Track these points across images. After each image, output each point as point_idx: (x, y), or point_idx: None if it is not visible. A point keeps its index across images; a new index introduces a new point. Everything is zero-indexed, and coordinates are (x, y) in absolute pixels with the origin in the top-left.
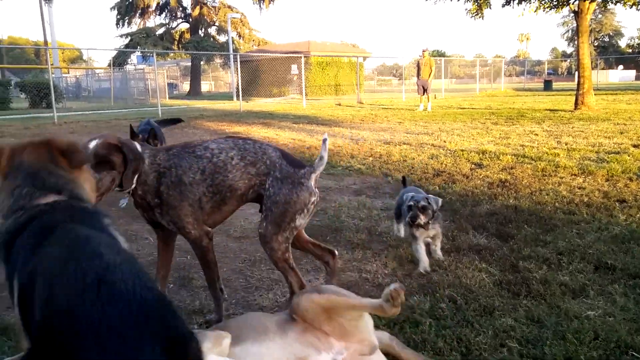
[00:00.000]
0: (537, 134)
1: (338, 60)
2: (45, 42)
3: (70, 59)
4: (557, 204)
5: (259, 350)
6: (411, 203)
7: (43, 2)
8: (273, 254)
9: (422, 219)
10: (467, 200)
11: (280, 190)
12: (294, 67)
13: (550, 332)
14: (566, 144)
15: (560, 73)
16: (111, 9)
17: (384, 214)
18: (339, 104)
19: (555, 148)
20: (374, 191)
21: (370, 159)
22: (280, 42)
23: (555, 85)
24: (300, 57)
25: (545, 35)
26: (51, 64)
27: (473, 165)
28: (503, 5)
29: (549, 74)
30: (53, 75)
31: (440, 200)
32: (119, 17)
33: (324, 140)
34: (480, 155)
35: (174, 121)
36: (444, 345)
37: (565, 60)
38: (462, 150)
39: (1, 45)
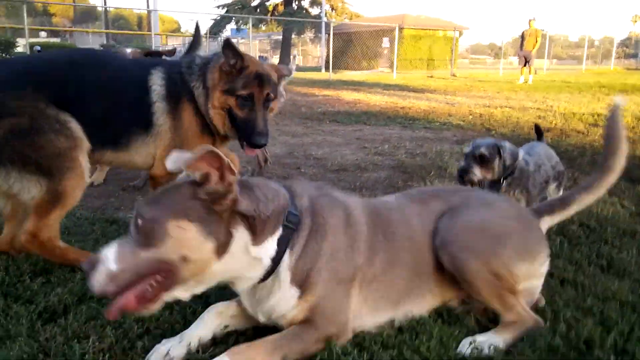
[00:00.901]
0: None
1: (433, 34)
2: (149, 12)
3: (169, 30)
4: None
5: None
6: (468, 150)
7: None
8: None
9: (477, 174)
10: (586, 152)
11: None
12: (385, 40)
13: None
14: None
15: None
16: None
17: None
18: (431, 76)
19: None
20: None
21: (470, 117)
22: (373, 16)
23: None
24: (395, 29)
25: None
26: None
27: (588, 125)
28: None
29: None
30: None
31: (521, 153)
32: None
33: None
34: (595, 117)
35: None
36: (581, 257)
37: None
38: (573, 113)
39: (106, 6)
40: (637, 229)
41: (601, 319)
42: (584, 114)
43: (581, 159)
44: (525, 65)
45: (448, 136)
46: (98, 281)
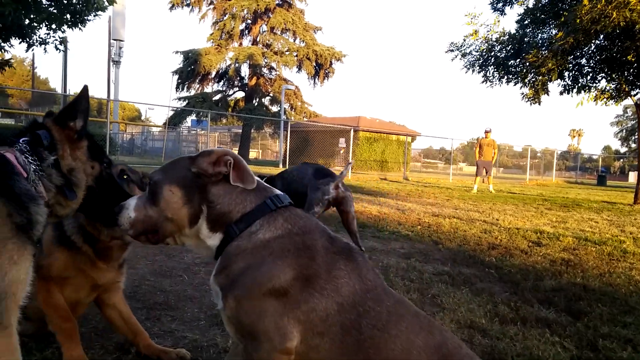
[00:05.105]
0: (597, 222)
1: (386, 137)
2: (109, 100)
3: (129, 117)
4: (631, 287)
5: None
6: None
7: (112, 64)
8: None
9: None
10: (529, 274)
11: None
12: (342, 140)
13: None
14: (631, 233)
15: (612, 172)
16: (173, 73)
17: (436, 279)
18: (385, 179)
19: (619, 235)
20: (424, 256)
21: (419, 227)
22: (331, 116)
23: (608, 182)
24: (350, 130)
25: (598, 132)
26: (111, 119)
27: (531, 243)
28: (561, 93)
29: (602, 171)
30: (111, 130)
31: None
32: (179, 81)
33: (349, 163)
34: (538, 234)
35: None
36: None
37: (619, 160)
38: (517, 229)
39: (65, 94)
40: None
41: None
42: (527, 230)
43: (524, 283)
44: (485, 174)
45: (396, 247)
46: (122, 222)
